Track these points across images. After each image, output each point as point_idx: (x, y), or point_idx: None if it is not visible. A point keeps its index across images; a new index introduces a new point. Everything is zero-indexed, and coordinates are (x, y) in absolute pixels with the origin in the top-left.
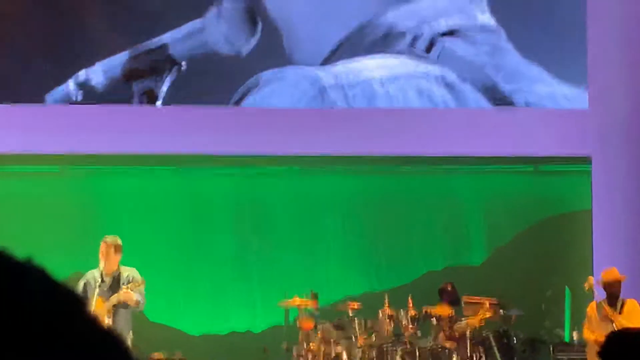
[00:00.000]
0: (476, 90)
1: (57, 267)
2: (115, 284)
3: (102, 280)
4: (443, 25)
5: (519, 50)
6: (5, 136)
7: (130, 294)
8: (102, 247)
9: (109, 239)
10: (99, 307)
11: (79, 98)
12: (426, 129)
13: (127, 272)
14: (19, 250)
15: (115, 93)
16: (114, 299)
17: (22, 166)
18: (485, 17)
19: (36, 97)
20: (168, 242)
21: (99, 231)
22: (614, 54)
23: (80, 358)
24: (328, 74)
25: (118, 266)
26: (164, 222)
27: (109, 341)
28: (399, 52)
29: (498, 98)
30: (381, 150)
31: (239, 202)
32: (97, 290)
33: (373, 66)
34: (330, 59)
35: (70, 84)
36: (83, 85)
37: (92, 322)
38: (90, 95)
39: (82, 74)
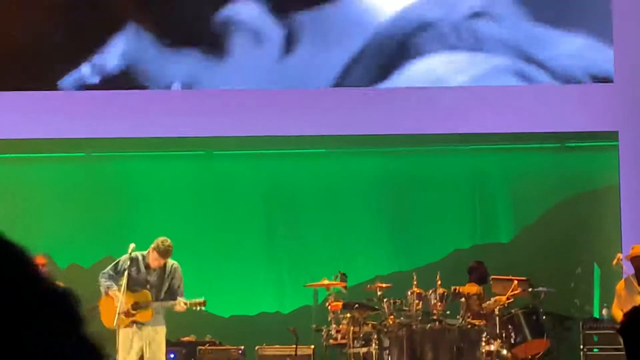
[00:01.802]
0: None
1: (86, 252)
2: (161, 274)
3: (148, 272)
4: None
5: (541, 20)
6: (32, 122)
7: (184, 308)
8: (154, 254)
9: (163, 248)
10: (145, 298)
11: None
12: (452, 108)
13: (171, 263)
14: (50, 236)
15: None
16: (167, 305)
17: (49, 153)
18: None
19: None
20: (197, 224)
21: (129, 216)
22: None
23: None
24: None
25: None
26: (193, 205)
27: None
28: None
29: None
30: (408, 130)
31: (267, 184)
32: (151, 280)
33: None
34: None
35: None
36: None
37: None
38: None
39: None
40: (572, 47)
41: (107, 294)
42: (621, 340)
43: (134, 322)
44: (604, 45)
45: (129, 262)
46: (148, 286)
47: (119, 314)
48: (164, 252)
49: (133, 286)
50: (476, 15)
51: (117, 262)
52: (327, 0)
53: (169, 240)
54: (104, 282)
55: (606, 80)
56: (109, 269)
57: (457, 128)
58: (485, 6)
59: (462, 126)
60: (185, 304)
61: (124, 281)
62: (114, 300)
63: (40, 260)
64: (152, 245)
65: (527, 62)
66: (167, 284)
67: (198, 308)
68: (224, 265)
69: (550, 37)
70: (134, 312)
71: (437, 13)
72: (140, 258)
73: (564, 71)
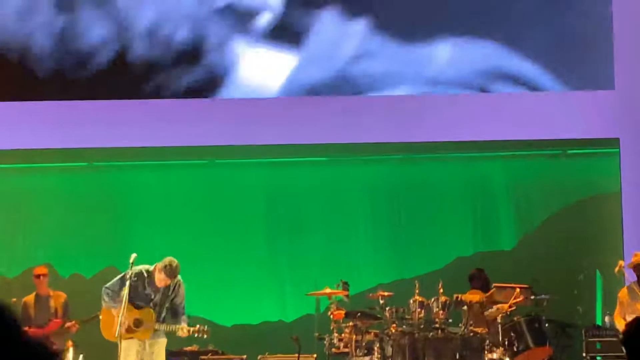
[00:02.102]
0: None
1: (89, 263)
2: (165, 292)
3: (153, 290)
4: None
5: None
6: (34, 132)
7: (186, 334)
8: (161, 275)
9: (170, 269)
10: (147, 317)
11: None
12: (453, 115)
13: (175, 279)
14: (52, 246)
15: None
16: (173, 328)
17: (52, 163)
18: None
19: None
20: (197, 234)
21: (130, 226)
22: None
23: None
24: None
25: None
26: (194, 214)
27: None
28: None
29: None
30: (409, 138)
31: (268, 192)
32: (127, 288)
33: None
34: None
35: None
36: None
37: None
38: None
39: None
40: (450, 55)
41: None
42: (624, 349)
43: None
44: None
45: (130, 275)
46: (151, 304)
47: (120, 325)
48: (172, 273)
49: (136, 301)
50: (356, 59)
51: (122, 277)
52: (210, 90)
53: (177, 261)
54: (107, 299)
55: (501, 72)
56: (112, 284)
57: (458, 135)
58: (357, 48)
59: (463, 133)
60: (189, 330)
61: (125, 292)
62: (116, 314)
63: (42, 270)
64: (159, 266)
65: (427, 84)
66: (169, 301)
67: (200, 335)
68: (226, 274)
69: (430, 51)
70: (135, 328)
71: (321, 71)
72: (145, 274)
73: (461, 80)
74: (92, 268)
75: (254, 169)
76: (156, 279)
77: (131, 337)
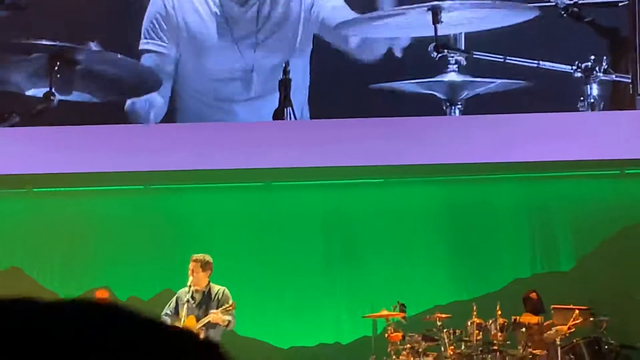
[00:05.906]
0: None
1: (147, 285)
2: (205, 301)
3: (192, 297)
4: None
5: None
6: (90, 157)
7: (220, 317)
8: (191, 265)
9: (197, 256)
10: (189, 324)
11: None
12: (509, 135)
13: (217, 289)
14: (109, 268)
15: None
16: (205, 320)
17: (107, 186)
18: None
19: None
20: (254, 256)
21: (187, 248)
22: None
23: None
24: None
25: (208, 282)
26: (250, 237)
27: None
28: None
29: None
30: (466, 159)
31: (324, 214)
32: (185, 306)
33: None
34: None
35: None
36: None
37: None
38: None
39: None
40: None
41: None
42: None
43: None
44: None
45: (174, 300)
46: (192, 309)
47: None
48: (195, 260)
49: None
50: None
51: (176, 300)
52: None
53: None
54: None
55: None
56: (166, 309)
57: (514, 156)
58: None
59: (519, 154)
60: (216, 313)
61: (183, 312)
62: None
63: (103, 293)
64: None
65: None
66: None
67: (232, 310)
68: (283, 296)
69: None
70: None
71: None
72: (185, 290)
73: None
74: (150, 291)
75: (311, 191)
76: (189, 275)
77: None
